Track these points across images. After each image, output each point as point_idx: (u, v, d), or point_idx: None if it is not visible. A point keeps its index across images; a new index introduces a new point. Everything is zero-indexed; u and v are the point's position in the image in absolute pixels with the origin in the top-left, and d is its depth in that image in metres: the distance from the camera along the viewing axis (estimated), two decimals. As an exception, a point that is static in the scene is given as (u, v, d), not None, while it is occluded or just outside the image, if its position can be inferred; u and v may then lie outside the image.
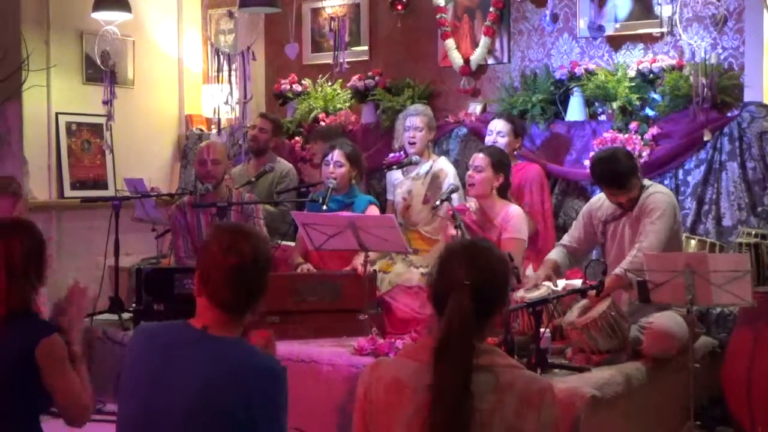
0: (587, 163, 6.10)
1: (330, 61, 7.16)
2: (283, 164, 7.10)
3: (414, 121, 6.39)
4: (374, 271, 5.49)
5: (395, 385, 2.34)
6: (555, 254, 5.33)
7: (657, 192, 5.01)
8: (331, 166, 5.91)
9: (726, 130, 5.92)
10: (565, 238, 5.42)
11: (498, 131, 6.16)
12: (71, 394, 3.04)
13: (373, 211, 5.93)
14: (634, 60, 6.42)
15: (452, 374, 2.25)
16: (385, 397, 2.34)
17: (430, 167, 6.34)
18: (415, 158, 6.34)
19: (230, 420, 2.46)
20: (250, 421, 2.47)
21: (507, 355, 2.41)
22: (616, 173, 4.95)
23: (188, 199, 6.13)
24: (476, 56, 7.14)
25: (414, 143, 6.36)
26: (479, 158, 5.52)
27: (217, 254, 2.56)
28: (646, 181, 5.14)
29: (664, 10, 6.30)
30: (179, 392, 2.48)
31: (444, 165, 6.35)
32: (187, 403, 2.47)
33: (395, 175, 6.54)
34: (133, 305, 5.73)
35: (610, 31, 6.57)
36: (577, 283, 5.04)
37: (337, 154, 5.93)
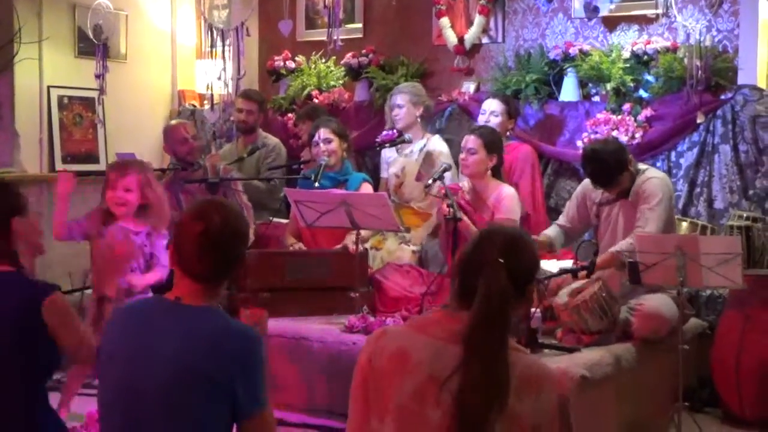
0: (580, 144, 6.12)
1: (324, 38, 7.10)
2: (270, 139, 7.13)
3: (395, 100, 6.45)
4: (365, 249, 5.49)
5: (400, 355, 2.33)
6: (550, 231, 5.35)
7: (653, 177, 4.99)
8: (321, 144, 5.92)
9: (719, 112, 5.92)
10: (561, 218, 5.43)
11: (491, 111, 6.15)
12: (81, 342, 3.12)
13: (367, 188, 5.93)
14: (628, 41, 6.40)
15: (491, 352, 2.24)
16: (388, 366, 2.34)
17: (424, 145, 6.34)
18: (407, 136, 6.35)
19: (208, 385, 2.48)
20: (228, 385, 2.49)
21: (510, 339, 2.40)
22: (602, 173, 4.96)
23: (166, 179, 6.15)
24: (470, 35, 7.12)
25: (398, 120, 6.39)
26: (471, 140, 5.50)
27: (187, 223, 2.62)
28: (642, 165, 5.12)
29: (660, -8, 6.29)
30: (155, 361, 2.51)
31: (437, 143, 6.35)
32: (163, 371, 2.50)
33: (388, 153, 6.55)
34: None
35: (605, 12, 6.56)
36: (568, 263, 5.05)
37: (323, 132, 5.95)
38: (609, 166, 4.93)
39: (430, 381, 2.27)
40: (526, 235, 2.53)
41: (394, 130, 6.55)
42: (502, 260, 2.32)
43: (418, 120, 6.43)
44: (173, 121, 6.80)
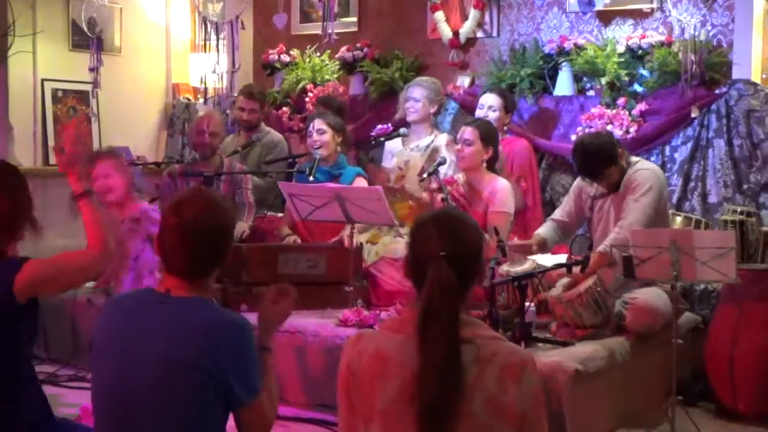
0: (575, 138, 6.11)
1: (319, 31, 7.10)
2: (273, 135, 7.08)
3: (412, 92, 6.41)
4: (360, 243, 5.49)
5: (379, 359, 2.32)
6: (543, 229, 5.34)
7: (643, 168, 5.00)
8: (314, 135, 5.92)
9: (714, 107, 5.91)
10: (557, 213, 5.42)
11: (489, 105, 6.14)
12: (73, 275, 3.13)
13: (361, 182, 5.92)
14: (623, 35, 6.39)
15: (439, 346, 2.23)
16: (369, 370, 2.33)
17: (432, 141, 6.34)
18: (402, 131, 6.35)
19: (200, 376, 2.49)
20: (221, 376, 2.50)
21: (488, 327, 2.40)
22: (588, 165, 4.96)
23: (179, 168, 6.20)
24: (465, 29, 7.12)
25: (411, 113, 6.38)
26: (468, 132, 5.50)
27: (166, 216, 2.63)
28: (633, 158, 5.13)
29: (655, -14, 6.29)
30: (146, 354, 2.52)
31: (445, 142, 6.32)
32: (155, 363, 2.51)
33: (394, 144, 6.53)
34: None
35: (599, 6, 6.55)
36: (563, 258, 5.05)
37: (317, 123, 5.96)
38: (595, 159, 4.93)
39: (411, 380, 2.26)
40: (466, 217, 2.48)
41: (389, 125, 6.55)
42: (443, 253, 2.31)
43: (431, 117, 6.43)
44: (204, 109, 6.74)
